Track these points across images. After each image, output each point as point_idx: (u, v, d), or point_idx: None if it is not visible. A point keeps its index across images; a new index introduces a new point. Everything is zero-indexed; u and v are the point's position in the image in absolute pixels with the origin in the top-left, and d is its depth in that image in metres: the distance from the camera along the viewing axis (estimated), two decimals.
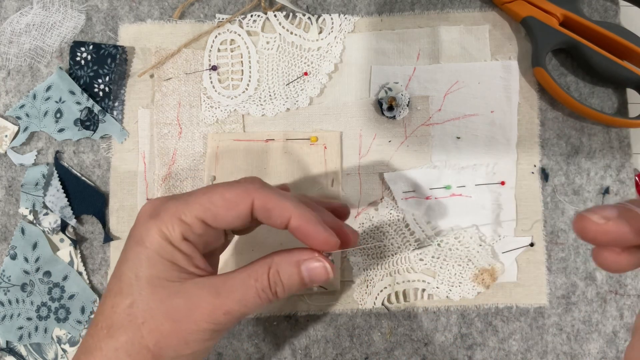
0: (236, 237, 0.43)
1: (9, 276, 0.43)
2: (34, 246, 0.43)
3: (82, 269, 0.44)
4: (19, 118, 0.45)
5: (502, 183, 0.44)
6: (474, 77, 0.45)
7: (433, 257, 0.43)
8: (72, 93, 0.45)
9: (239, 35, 0.46)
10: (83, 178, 0.45)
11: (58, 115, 0.45)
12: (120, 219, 0.44)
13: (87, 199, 0.44)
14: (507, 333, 0.43)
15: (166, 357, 0.29)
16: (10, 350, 0.43)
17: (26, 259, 0.43)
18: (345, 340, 0.43)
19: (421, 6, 0.46)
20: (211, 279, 0.31)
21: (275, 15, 0.46)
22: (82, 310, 0.43)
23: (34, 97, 0.45)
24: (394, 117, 0.44)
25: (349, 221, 0.43)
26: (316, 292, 0.43)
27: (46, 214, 0.44)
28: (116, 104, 0.45)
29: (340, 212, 0.38)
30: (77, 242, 0.44)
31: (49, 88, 0.45)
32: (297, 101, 0.45)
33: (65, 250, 0.44)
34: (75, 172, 0.45)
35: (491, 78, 0.45)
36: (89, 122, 0.45)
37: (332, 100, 0.45)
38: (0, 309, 0.43)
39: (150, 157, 0.45)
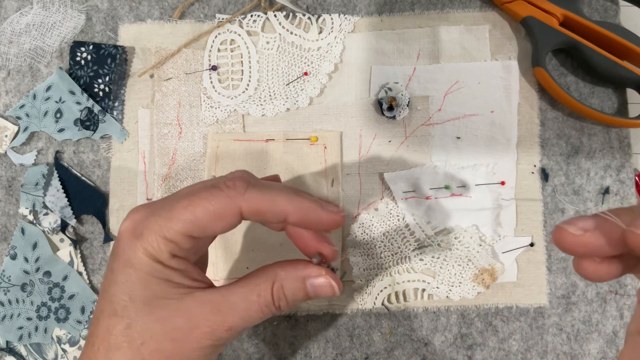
0: (235, 235, 0.43)
1: (9, 276, 0.43)
2: (34, 246, 0.43)
3: (82, 269, 0.44)
4: (19, 118, 0.45)
5: (502, 183, 0.44)
6: (474, 77, 0.45)
7: (433, 257, 0.42)
8: (72, 93, 0.45)
9: (239, 35, 0.46)
10: (83, 178, 0.45)
11: (58, 115, 0.45)
12: (120, 219, 0.44)
13: (87, 199, 0.44)
14: (507, 333, 0.43)
15: None
16: (10, 350, 0.43)
17: (26, 259, 0.43)
18: (345, 340, 0.43)
19: (421, 6, 0.46)
20: (211, 294, 0.29)
21: (275, 15, 0.46)
22: (82, 310, 0.43)
23: (34, 97, 0.45)
24: (394, 117, 0.44)
25: (348, 221, 0.43)
26: None
27: (46, 214, 0.44)
28: (116, 104, 0.45)
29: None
30: (77, 242, 0.44)
31: (49, 88, 0.45)
32: (297, 101, 0.45)
33: (65, 250, 0.44)
34: (75, 172, 0.45)
35: (491, 78, 0.45)
36: (89, 122, 0.45)
37: (332, 100, 0.45)
38: (0, 309, 0.43)
39: (150, 157, 0.45)
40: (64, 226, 0.44)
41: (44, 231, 0.44)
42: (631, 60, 0.43)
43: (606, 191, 0.44)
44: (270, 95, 0.45)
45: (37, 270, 0.43)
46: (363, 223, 0.43)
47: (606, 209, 0.22)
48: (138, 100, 0.45)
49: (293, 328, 0.43)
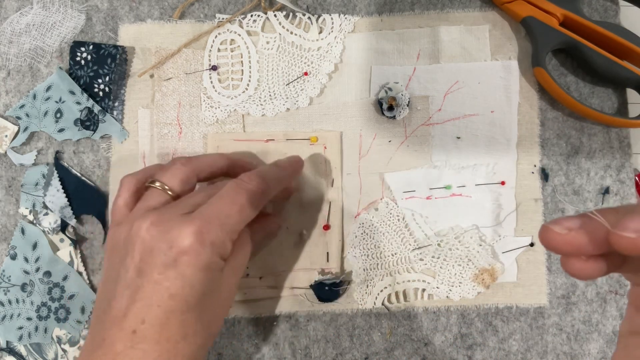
0: None
1: (9, 276, 0.43)
2: (34, 246, 0.43)
3: (82, 269, 0.44)
4: (19, 118, 0.45)
5: (502, 183, 0.44)
6: (474, 77, 0.45)
7: (433, 257, 0.43)
8: (72, 93, 0.45)
9: (239, 35, 0.46)
10: (83, 178, 0.45)
11: (58, 115, 0.45)
12: None
13: (87, 199, 0.44)
14: (507, 333, 0.43)
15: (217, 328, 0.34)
16: (10, 350, 0.43)
17: (26, 259, 0.43)
18: (345, 340, 0.43)
19: (421, 6, 0.46)
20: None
21: (275, 15, 0.46)
22: (82, 310, 0.43)
23: (34, 97, 0.45)
24: (394, 117, 0.44)
25: (348, 221, 0.43)
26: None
27: (46, 214, 0.44)
28: (116, 104, 0.45)
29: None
30: (77, 242, 0.44)
31: (49, 88, 0.45)
32: (297, 101, 0.45)
33: (65, 250, 0.44)
34: (75, 172, 0.45)
35: (491, 78, 0.45)
36: (89, 122, 0.45)
37: (332, 100, 0.45)
38: (0, 309, 0.43)
39: (150, 157, 0.45)
40: (64, 226, 0.44)
41: (44, 231, 0.44)
42: (631, 60, 0.43)
43: (606, 191, 0.44)
44: (270, 95, 0.45)
45: (37, 270, 0.43)
46: (363, 223, 0.43)
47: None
48: (138, 100, 0.45)
49: (293, 328, 0.43)
